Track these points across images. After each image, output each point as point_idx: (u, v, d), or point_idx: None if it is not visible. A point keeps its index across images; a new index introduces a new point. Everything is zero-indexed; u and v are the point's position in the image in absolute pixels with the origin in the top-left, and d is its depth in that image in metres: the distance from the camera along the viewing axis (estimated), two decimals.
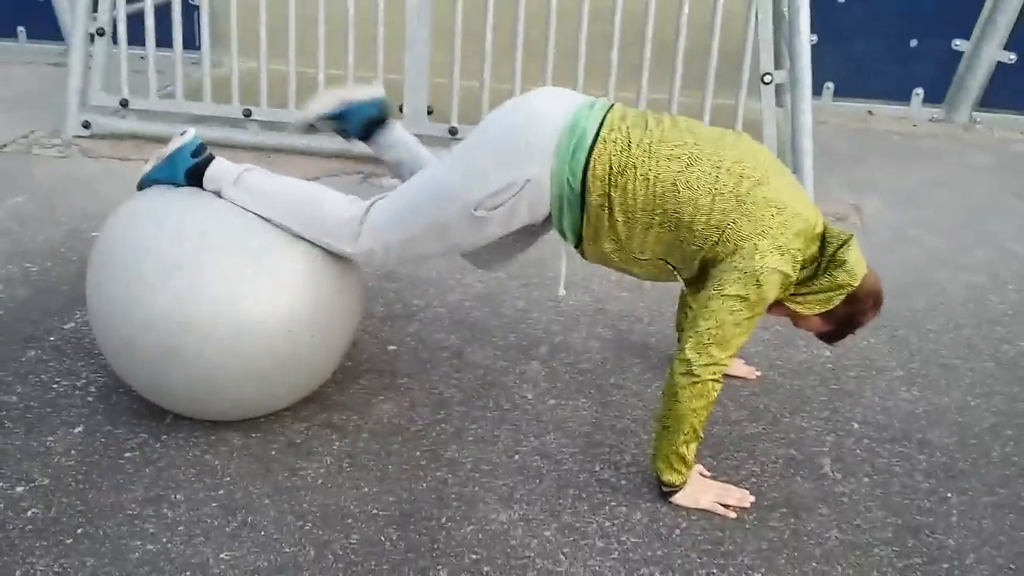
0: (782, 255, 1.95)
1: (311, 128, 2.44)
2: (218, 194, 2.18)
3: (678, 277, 2.09)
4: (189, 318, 2.05)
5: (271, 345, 2.11)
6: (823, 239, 2.05)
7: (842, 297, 2.05)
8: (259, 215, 2.15)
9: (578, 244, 2.11)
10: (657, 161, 1.97)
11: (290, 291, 2.12)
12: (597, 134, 2.00)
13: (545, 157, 1.99)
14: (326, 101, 2.38)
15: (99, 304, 2.15)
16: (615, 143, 1.99)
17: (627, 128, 2.01)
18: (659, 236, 2.01)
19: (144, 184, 2.27)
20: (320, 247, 2.18)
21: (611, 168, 1.98)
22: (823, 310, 2.08)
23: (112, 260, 2.12)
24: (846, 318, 2.10)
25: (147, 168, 2.26)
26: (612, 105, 2.09)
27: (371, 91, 2.41)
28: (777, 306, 2.12)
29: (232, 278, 2.07)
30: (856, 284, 2.04)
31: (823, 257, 2.05)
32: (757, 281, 1.94)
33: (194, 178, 2.19)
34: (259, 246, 2.12)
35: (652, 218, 1.99)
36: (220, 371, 2.10)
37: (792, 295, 2.07)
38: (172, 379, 2.12)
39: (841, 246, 2.03)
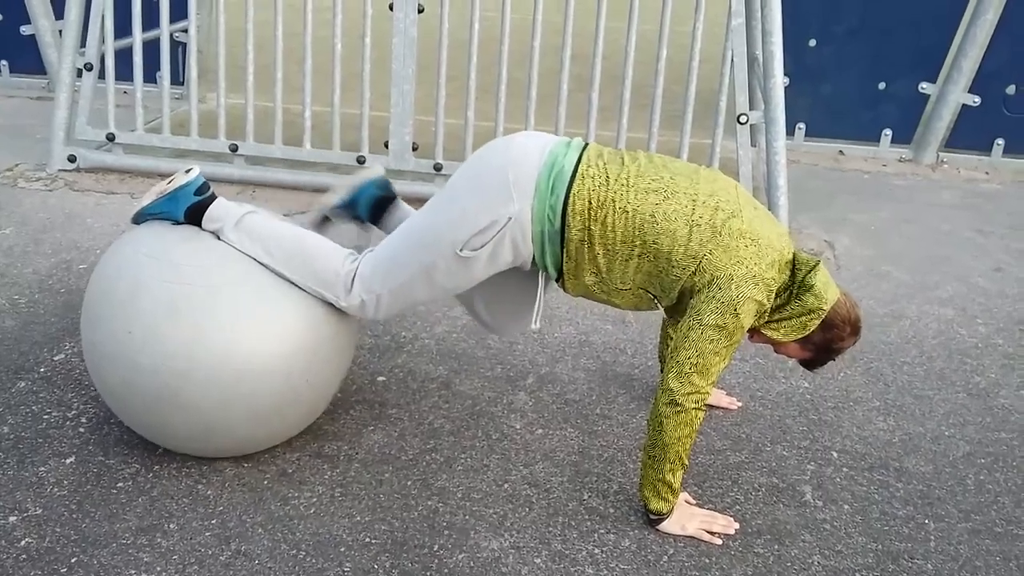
0: (756, 284, 2.03)
1: (326, 220, 2.47)
2: (217, 235, 2.20)
3: (659, 306, 2.15)
4: (189, 364, 2.06)
5: (271, 389, 2.13)
6: (793, 266, 2.13)
7: (816, 322, 2.12)
8: (257, 260, 2.17)
9: (559, 278, 2.17)
10: (635, 194, 2.05)
11: (289, 336, 2.14)
12: (575, 170, 2.07)
13: (526, 195, 2.06)
14: (338, 191, 2.45)
15: (96, 340, 2.15)
16: (593, 178, 2.06)
17: (604, 164, 2.09)
18: (639, 266, 2.08)
19: (141, 218, 2.27)
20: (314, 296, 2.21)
21: (590, 203, 2.05)
22: (799, 336, 2.14)
23: (111, 299, 2.12)
24: (824, 344, 2.17)
25: (145, 202, 2.26)
26: (586, 144, 2.17)
27: (371, 173, 2.47)
28: (756, 334, 2.19)
29: (232, 324, 2.09)
30: (825, 307, 2.10)
31: (793, 284, 2.12)
32: (734, 310, 2.01)
33: (194, 216, 2.21)
34: (258, 290, 2.14)
35: (632, 249, 2.06)
36: (220, 414, 2.11)
37: (767, 322, 2.14)
38: (171, 419, 2.13)
39: (809, 271, 2.11)
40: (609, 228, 2.05)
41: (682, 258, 2.03)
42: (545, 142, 2.14)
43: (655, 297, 2.13)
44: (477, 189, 2.10)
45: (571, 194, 2.05)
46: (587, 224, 2.05)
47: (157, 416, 2.13)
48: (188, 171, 2.25)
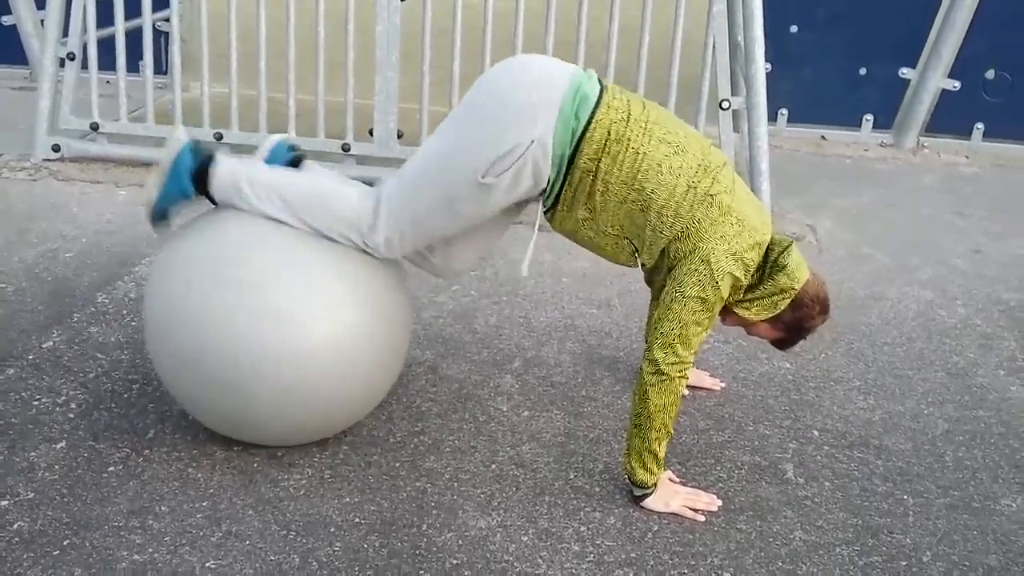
0: (736, 261, 2.07)
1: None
2: (232, 204, 2.16)
3: (637, 260, 2.18)
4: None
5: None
6: (768, 247, 2.17)
7: (787, 301, 2.16)
8: (279, 219, 2.13)
9: (552, 207, 2.15)
10: (650, 139, 2.06)
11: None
12: (599, 99, 2.06)
13: (550, 116, 2.02)
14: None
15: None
16: (617, 111, 2.06)
17: (628, 101, 2.09)
18: (629, 213, 2.09)
19: (157, 215, 2.22)
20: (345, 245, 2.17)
21: (609, 134, 2.04)
22: (770, 315, 2.18)
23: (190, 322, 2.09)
24: (794, 323, 2.21)
25: (152, 194, 2.20)
26: (600, 79, 2.14)
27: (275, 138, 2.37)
28: (728, 314, 2.23)
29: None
30: (797, 287, 2.14)
31: (766, 264, 2.16)
32: (715, 283, 2.05)
33: (200, 180, 2.16)
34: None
35: (629, 193, 2.06)
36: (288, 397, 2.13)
37: (739, 301, 2.18)
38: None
39: (782, 252, 2.15)
40: (616, 165, 2.04)
41: (671, 216, 2.06)
42: (564, 66, 2.10)
43: (636, 251, 2.15)
44: (498, 112, 2.04)
45: (593, 121, 2.03)
46: (599, 155, 2.04)
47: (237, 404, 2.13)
48: (174, 140, 2.19)
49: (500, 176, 2.04)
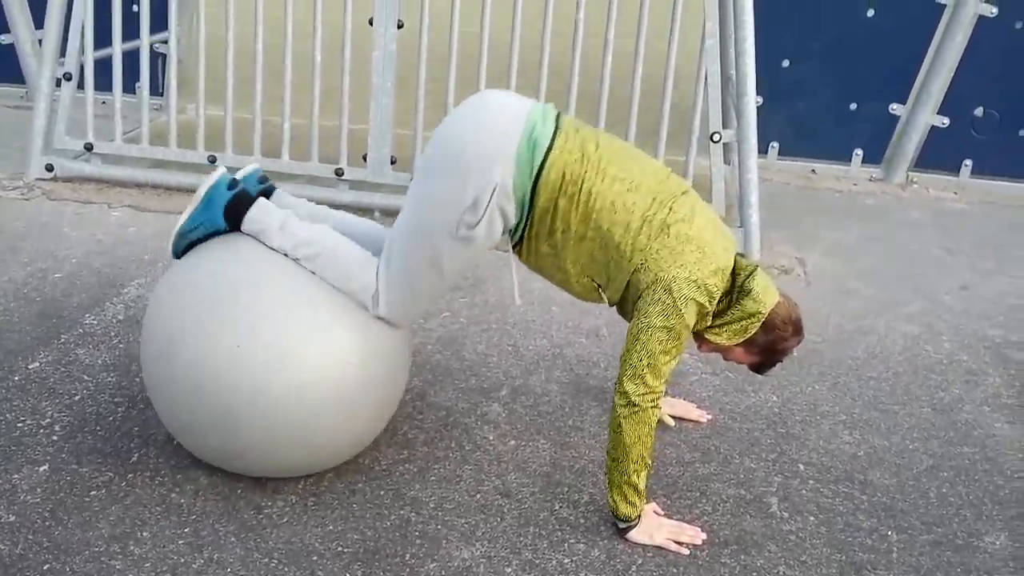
0: (698, 288, 2.09)
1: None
2: (257, 236, 2.18)
3: (603, 297, 2.20)
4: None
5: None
6: (733, 272, 2.19)
7: (757, 325, 2.18)
8: (299, 263, 2.16)
9: (518, 244, 2.19)
10: (603, 178, 2.10)
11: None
12: (552, 140, 2.10)
13: (507, 163, 2.07)
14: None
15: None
16: (570, 152, 2.10)
17: (581, 140, 2.13)
18: (590, 251, 2.13)
19: (180, 242, 2.22)
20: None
21: (564, 175, 2.09)
22: (742, 339, 2.20)
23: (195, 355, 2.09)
24: (768, 346, 2.23)
25: (180, 221, 2.22)
26: (559, 114, 2.18)
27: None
28: (702, 340, 2.24)
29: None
30: (764, 311, 2.17)
31: (733, 289, 2.18)
32: (679, 311, 2.07)
33: (233, 214, 2.18)
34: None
35: (586, 231, 2.10)
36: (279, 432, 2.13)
37: (710, 327, 2.20)
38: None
39: (748, 276, 2.17)
40: (573, 205, 2.09)
41: (630, 250, 2.09)
42: (519, 106, 2.13)
43: (599, 287, 2.18)
44: (457, 164, 2.09)
45: (547, 163, 2.08)
46: (555, 195, 2.09)
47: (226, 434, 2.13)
48: (214, 173, 2.23)
49: (474, 228, 2.09)
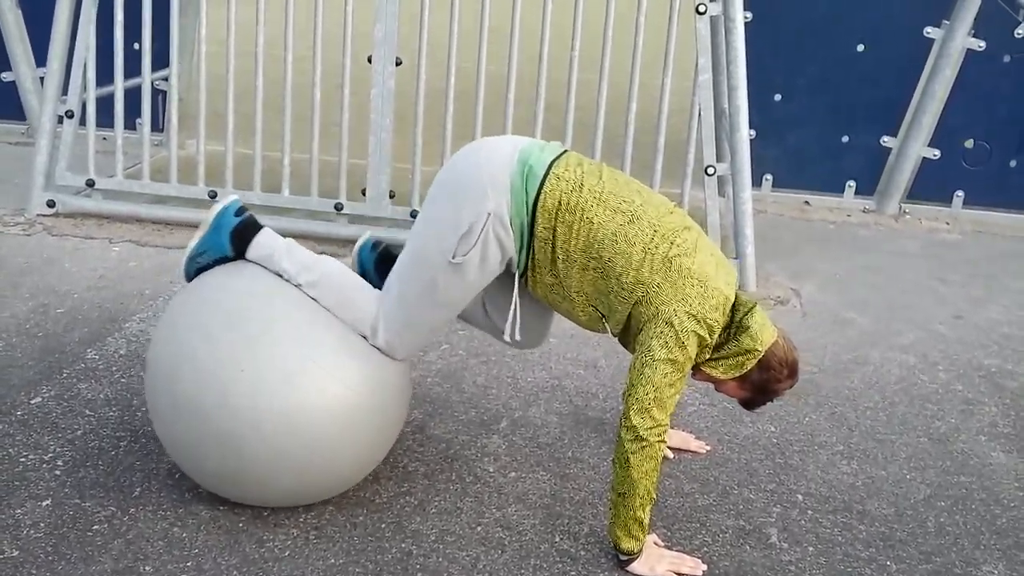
0: (699, 323, 2.12)
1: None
2: (263, 263, 2.24)
3: (607, 327, 2.23)
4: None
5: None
6: (733, 308, 2.22)
7: (753, 362, 2.20)
8: (303, 289, 2.21)
9: (524, 274, 2.23)
10: (604, 210, 2.14)
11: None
12: (548, 170, 2.15)
13: (502, 190, 2.13)
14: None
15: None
16: (568, 182, 2.15)
17: (582, 172, 2.18)
18: (593, 281, 2.16)
19: (191, 265, 2.28)
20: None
21: (560, 203, 2.13)
22: (737, 375, 2.23)
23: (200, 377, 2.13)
24: (762, 385, 2.26)
25: (191, 244, 2.28)
26: (565, 150, 2.25)
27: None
28: (697, 371, 2.27)
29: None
30: (760, 348, 2.19)
31: (732, 324, 2.21)
32: (681, 344, 2.10)
33: (239, 240, 2.25)
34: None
35: (588, 261, 2.15)
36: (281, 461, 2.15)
37: (707, 360, 2.23)
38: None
39: (746, 313, 2.20)
40: (572, 234, 2.13)
41: (631, 282, 2.12)
42: (517, 141, 2.22)
43: (603, 316, 2.21)
44: (454, 194, 2.18)
45: (543, 191, 2.13)
46: (553, 224, 2.13)
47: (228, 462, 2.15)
48: (223, 199, 2.30)
49: (468, 254, 2.14)
